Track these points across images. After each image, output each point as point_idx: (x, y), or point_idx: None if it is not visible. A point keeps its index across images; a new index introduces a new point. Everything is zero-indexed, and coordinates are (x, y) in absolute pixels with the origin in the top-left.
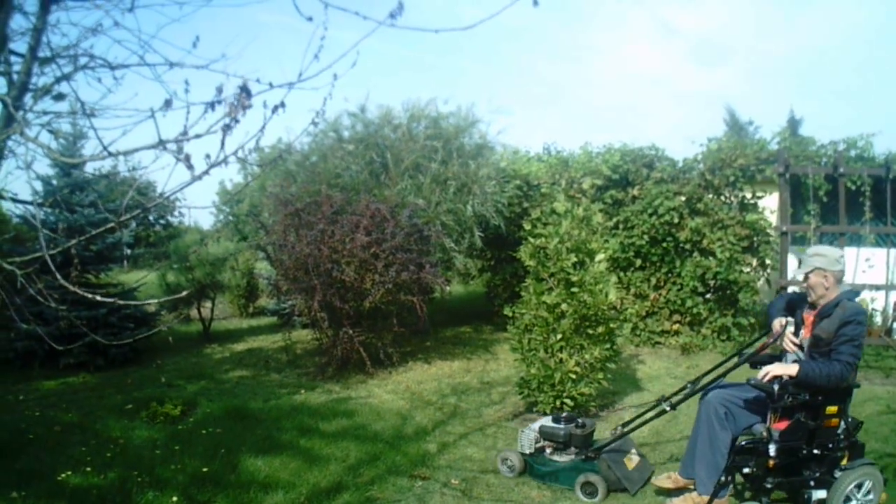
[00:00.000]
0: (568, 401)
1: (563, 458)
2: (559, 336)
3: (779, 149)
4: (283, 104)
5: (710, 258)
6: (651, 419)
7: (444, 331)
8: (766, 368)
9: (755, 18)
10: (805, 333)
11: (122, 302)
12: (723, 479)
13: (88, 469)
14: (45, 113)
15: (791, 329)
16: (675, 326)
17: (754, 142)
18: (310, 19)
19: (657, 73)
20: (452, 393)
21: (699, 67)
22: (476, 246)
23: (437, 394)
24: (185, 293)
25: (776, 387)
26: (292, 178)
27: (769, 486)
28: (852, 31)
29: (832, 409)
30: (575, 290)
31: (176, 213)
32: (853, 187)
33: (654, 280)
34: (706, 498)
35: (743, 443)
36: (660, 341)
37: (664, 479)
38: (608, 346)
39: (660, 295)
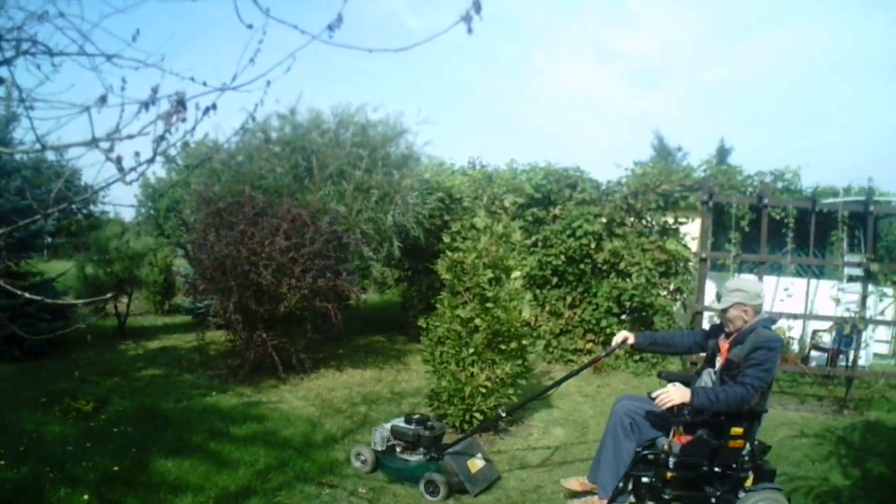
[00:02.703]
0: (477, 414)
1: (412, 458)
2: (471, 350)
3: (704, 177)
4: (214, 106)
5: (627, 280)
6: (489, 422)
7: (357, 339)
8: (663, 397)
9: (692, 47)
10: (720, 360)
11: (49, 301)
12: (620, 485)
13: (2, 462)
14: None
15: (630, 341)
16: (589, 345)
17: (680, 168)
18: (250, 27)
19: (591, 94)
20: (363, 402)
21: (633, 91)
22: (394, 256)
23: (347, 402)
24: (109, 295)
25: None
26: (217, 176)
27: (667, 497)
28: (788, 66)
29: (737, 430)
30: (489, 305)
31: (98, 204)
32: (777, 217)
33: (569, 299)
34: (605, 502)
35: (645, 453)
36: (572, 359)
37: (573, 482)
38: (519, 362)
39: (575, 314)
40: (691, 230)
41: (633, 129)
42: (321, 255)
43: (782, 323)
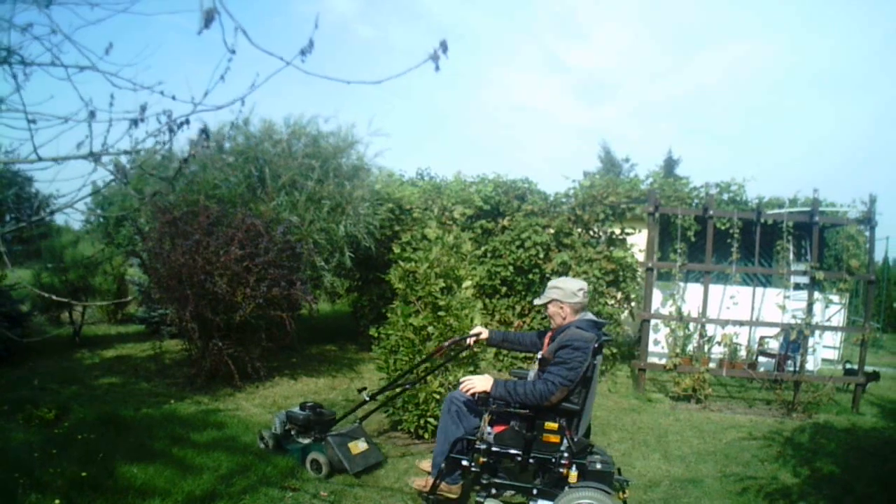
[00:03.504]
0: (431, 420)
1: (303, 440)
2: (425, 357)
3: (649, 189)
4: (187, 121)
5: None
6: (356, 409)
7: (309, 348)
8: (466, 384)
9: (643, 60)
10: (541, 354)
11: (52, 297)
12: (442, 466)
13: None
14: None
15: (483, 336)
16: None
17: (627, 180)
18: (233, 52)
19: (539, 106)
20: None
21: (582, 103)
22: (346, 266)
23: None
24: (123, 300)
25: (478, 397)
26: (171, 185)
27: (485, 482)
28: (734, 79)
29: (551, 425)
30: (442, 313)
31: (46, 212)
32: (723, 228)
33: (518, 308)
34: (432, 481)
35: (461, 438)
36: (522, 367)
37: (425, 463)
38: (472, 368)
39: (524, 322)
40: (639, 241)
41: (581, 140)
42: (275, 265)
43: (729, 329)
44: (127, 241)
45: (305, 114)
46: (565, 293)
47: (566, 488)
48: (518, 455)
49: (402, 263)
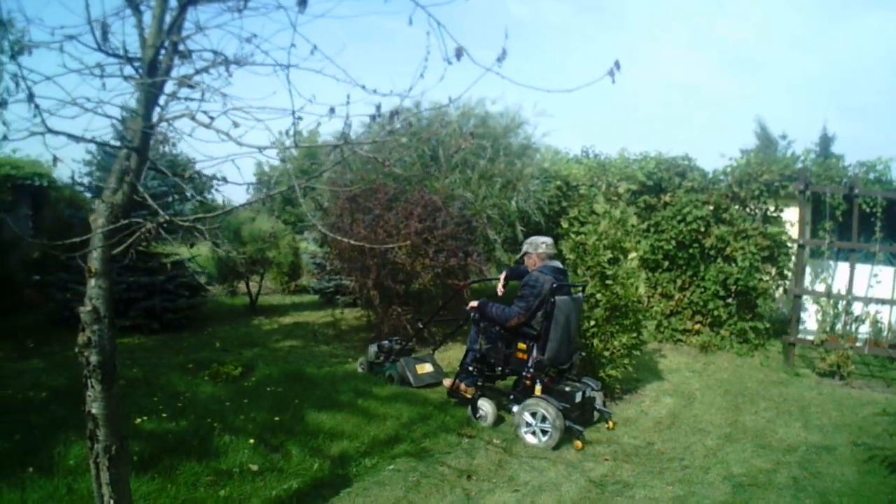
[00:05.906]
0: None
1: (387, 364)
2: (592, 323)
3: (801, 168)
4: (398, 112)
5: (733, 265)
6: (415, 335)
7: None
8: (471, 304)
9: (793, 32)
10: None
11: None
12: (460, 369)
13: (164, 415)
14: (190, 99)
15: (504, 275)
16: (697, 326)
17: (781, 159)
18: (449, 63)
19: (691, 81)
20: None
21: (734, 78)
22: (517, 239)
23: None
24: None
25: (474, 315)
26: (348, 165)
27: (479, 383)
28: (877, 52)
29: (522, 346)
30: (609, 282)
31: (214, 191)
32: (868, 208)
33: (679, 282)
34: (450, 381)
35: (469, 349)
36: (681, 339)
37: (447, 380)
38: (635, 334)
39: (684, 296)
40: (792, 218)
41: (733, 115)
42: (453, 237)
43: (872, 308)
44: (300, 218)
45: (473, 95)
46: (532, 246)
47: (531, 398)
48: (499, 366)
49: (573, 236)
